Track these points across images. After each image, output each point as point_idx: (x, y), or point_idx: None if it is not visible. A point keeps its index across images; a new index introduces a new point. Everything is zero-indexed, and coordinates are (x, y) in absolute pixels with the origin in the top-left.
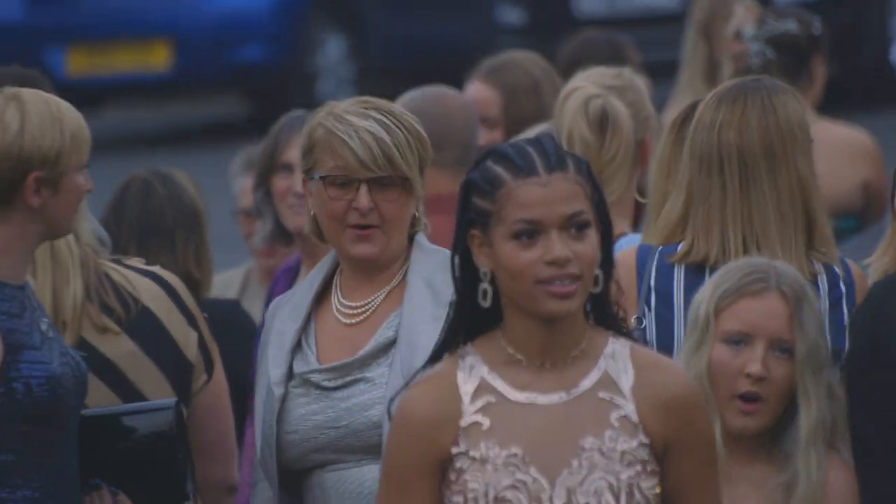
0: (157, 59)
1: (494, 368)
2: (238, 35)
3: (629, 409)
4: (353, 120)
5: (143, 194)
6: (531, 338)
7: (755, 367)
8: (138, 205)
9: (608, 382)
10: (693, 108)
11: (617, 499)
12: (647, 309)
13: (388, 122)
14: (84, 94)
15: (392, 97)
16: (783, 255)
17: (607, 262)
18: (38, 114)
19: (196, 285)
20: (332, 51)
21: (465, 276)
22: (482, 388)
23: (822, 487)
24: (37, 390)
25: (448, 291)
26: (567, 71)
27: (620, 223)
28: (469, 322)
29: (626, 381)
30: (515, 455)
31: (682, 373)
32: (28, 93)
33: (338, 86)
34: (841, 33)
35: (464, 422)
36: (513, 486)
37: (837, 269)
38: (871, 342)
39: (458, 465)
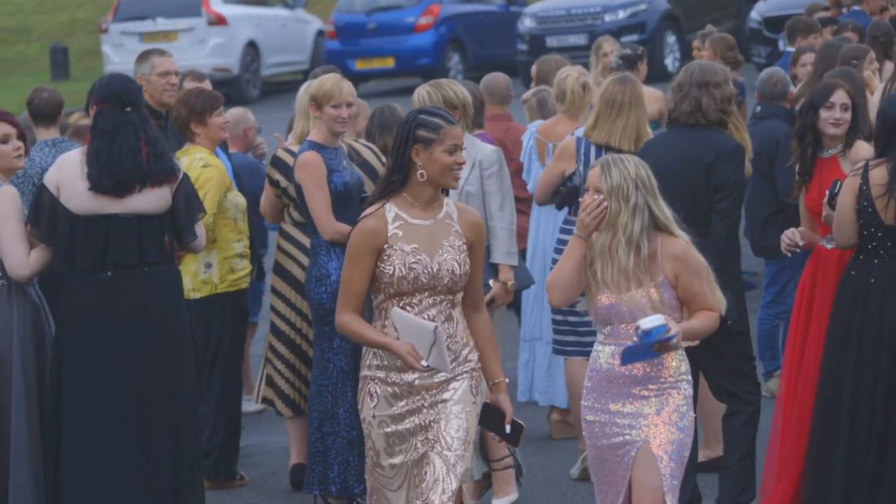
0: None
1: (402, 209)
2: None
3: (457, 226)
4: None
5: None
6: (426, 195)
7: (586, 199)
8: None
9: (448, 215)
10: None
11: (460, 266)
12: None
13: None
14: None
15: None
16: None
17: None
18: None
19: None
20: None
21: (400, 166)
22: (396, 217)
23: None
24: None
25: None
26: None
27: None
28: (394, 187)
29: (454, 214)
30: (415, 247)
31: (474, 210)
32: None
33: None
34: None
35: (389, 232)
36: (415, 261)
37: None
38: None
39: (387, 253)
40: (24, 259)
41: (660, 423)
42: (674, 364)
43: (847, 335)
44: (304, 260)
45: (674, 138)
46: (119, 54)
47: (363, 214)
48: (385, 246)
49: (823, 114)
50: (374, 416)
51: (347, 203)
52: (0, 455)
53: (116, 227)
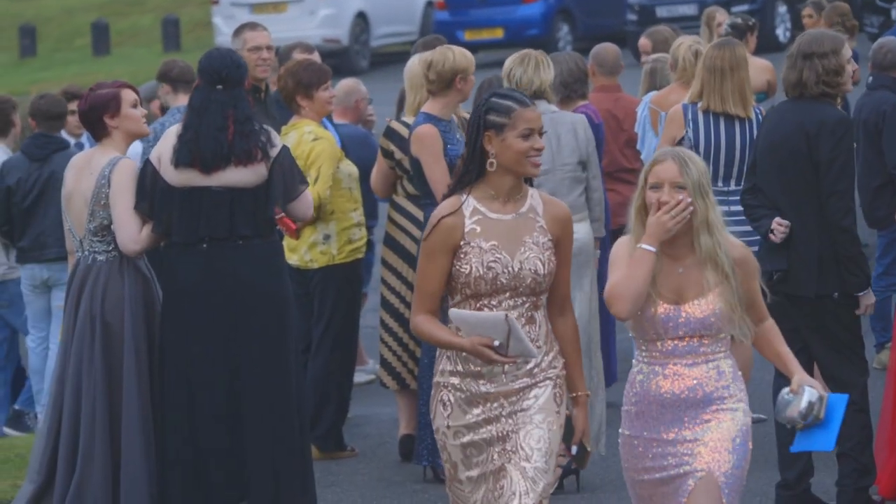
0: None
1: (481, 201)
2: None
3: (542, 221)
4: None
5: None
6: (505, 185)
7: (665, 198)
8: None
9: (532, 209)
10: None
11: (544, 266)
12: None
13: None
14: None
15: None
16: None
17: None
18: None
19: None
20: None
21: (474, 155)
22: (475, 211)
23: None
24: None
25: None
26: None
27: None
28: (470, 178)
29: (540, 208)
30: (494, 244)
31: (562, 203)
32: None
33: None
34: None
35: (466, 227)
36: (494, 260)
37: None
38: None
39: (464, 249)
40: (135, 234)
41: (721, 450)
42: (734, 382)
43: None
44: (417, 233)
45: (783, 111)
46: (229, 25)
47: (440, 207)
48: (462, 243)
49: None
50: (448, 427)
51: None
52: (114, 426)
53: (209, 199)
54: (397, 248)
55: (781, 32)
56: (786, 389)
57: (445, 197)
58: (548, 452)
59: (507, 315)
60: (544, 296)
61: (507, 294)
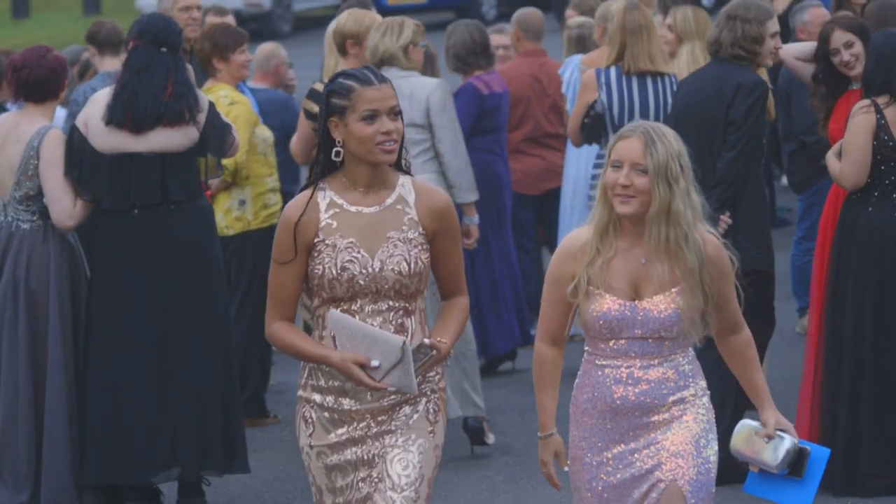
0: None
1: (339, 193)
2: None
3: (413, 213)
4: None
5: None
6: (362, 176)
7: (623, 181)
8: None
9: (402, 199)
10: None
11: (410, 265)
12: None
13: None
14: None
15: None
16: None
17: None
18: None
19: None
20: None
21: (325, 144)
22: (331, 204)
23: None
24: None
25: None
26: None
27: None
28: (323, 169)
29: (411, 198)
30: (352, 242)
31: (441, 192)
32: None
33: None
34: None
35: (321, 223)
36: (350, 260)
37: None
38: None
39: (318, 248)
40: (69, 208)
41: (686, 454)
42: (693, 379)
43: (864, 273)
44: None
45: (703, 73)
46: None
47: (290, 202)
48: (316, 240)
49: (834, 59)
50: (311, 447)
51: None
52: (38, 392)
53: (139, 166)
54: None
55: None
56: (754, 425)
57: (301, 189)
58: (417, 479)
59: (404, 343)
60: (418, 301)
61: (369, 298)
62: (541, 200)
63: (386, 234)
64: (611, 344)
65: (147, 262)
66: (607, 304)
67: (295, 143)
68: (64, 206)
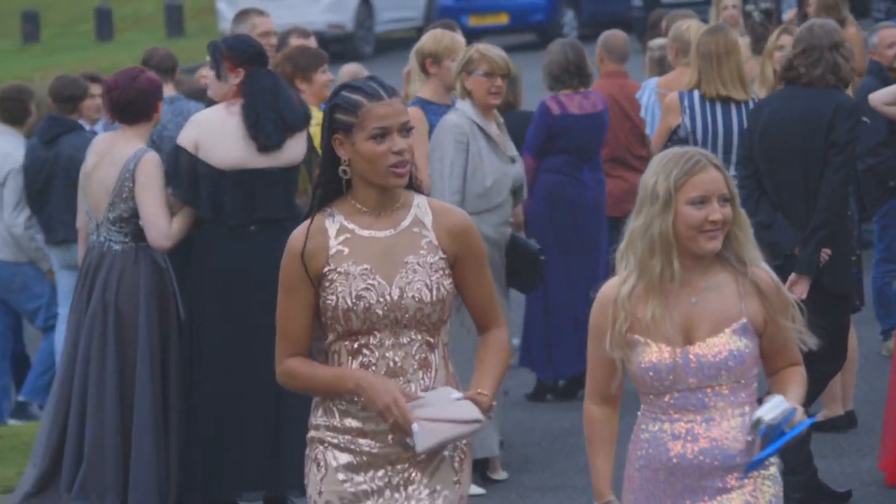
0: None
1: (348, 217)
2: None
3: (431, 236)
4: None
5: None
6: (372, 198)
7: (717, 216)
8: None
9: (418, 222)
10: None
11: (432, 292)
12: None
13: None
14: None
15: None
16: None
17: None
18: None
19: None
20: None
21: (329, 164)
22: (341, 230)
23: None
24: None
25: None
26: None
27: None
28: (329, 192)
29: (428, 220)
30: (366, 269)
31: (460, 211)
32: None
33: None
34: None
35: (331, 250)
36: (366, 288)
37: None
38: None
39: (329, 277)
40: (166, 229)
41: None
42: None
43: None
44: None
45: (788, 96)
46: (233, 11)
47: (296, 230)
48: (326, 269)
49: None
50: (319, 493)
51: None
52: (126, 416)
53: (263, 181)
54: None
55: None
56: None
57: (305, 216)
58: None
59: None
60: (441, 333)
61: (388, 330)
62: (621, 222)
63: (403, 259)
64: (664, 398)
65: (256, 280)
66: (653, 356)
67: None
68: (161, 227)
